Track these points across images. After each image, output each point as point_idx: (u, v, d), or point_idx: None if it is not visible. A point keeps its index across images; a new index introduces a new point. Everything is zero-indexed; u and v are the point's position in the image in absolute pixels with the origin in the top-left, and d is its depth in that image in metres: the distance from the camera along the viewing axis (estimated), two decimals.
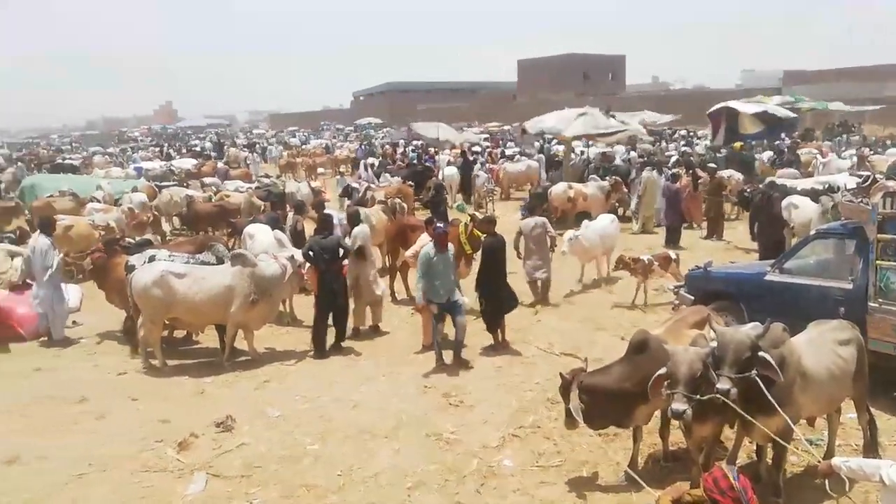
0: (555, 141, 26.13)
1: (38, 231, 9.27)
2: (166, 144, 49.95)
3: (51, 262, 8.88)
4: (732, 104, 17.27)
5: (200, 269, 8.00)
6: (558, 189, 15.39)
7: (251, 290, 7.83)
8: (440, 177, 19.72)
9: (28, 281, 9.80)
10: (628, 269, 9.84)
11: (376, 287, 8.97)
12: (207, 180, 21.21)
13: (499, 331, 8.30)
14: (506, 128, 45.66)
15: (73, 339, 9.16)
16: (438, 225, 8.14)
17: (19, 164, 30.79)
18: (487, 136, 38.00)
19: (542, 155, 23.53)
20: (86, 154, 40.61)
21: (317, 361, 8.07)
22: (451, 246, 7.87)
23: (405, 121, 48.11)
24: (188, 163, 28.61)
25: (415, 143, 31.90)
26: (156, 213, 15.25)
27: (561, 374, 5.14)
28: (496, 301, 8.25)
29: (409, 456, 5.71)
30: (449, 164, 21.40)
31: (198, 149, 42.71)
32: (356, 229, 9.09)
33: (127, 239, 10.47)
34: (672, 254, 10.26)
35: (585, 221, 11.41)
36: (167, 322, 8.21)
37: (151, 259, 7.95)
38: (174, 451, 5.85)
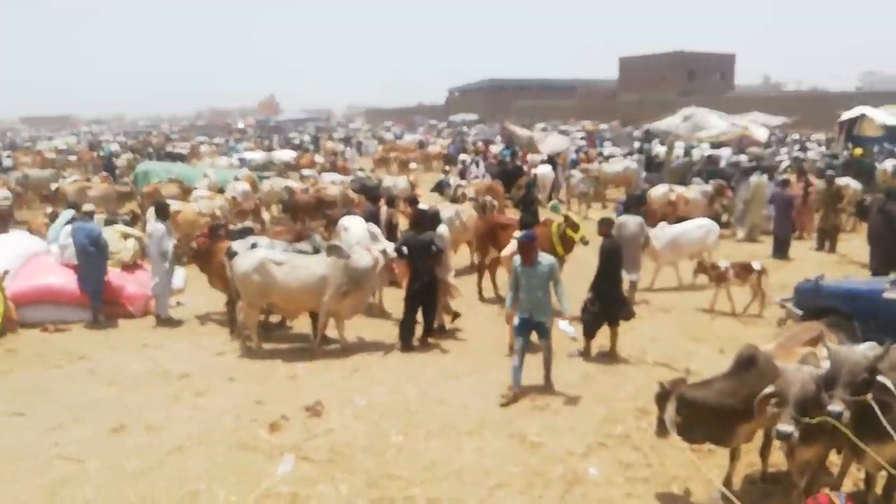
0: (655, 141, 25.27)
1: (155, 216, 9.85)
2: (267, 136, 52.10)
3: (166, 246, 9.43)
4: (869, 112, 16.00)
5: (298, 257, 8.26)
6: (658, 191, 14.85)
7: (343, 280, 8.02)
8: (531, 176, 19.54)
9: (138, 262, 10.49)
10: (706, 275, 9.52)
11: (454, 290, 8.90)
12: (306, 172, 21.98)
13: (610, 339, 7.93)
14: (603, 127, 44.67)
15: (176, 318, 9.70)
16: (520, 234, 7.51)
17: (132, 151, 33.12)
18: (584, 134, 37.32)
19: (641, 155, 22.82)
20: (193, 143, 43.00)
21: (403, 355, 8.16)
22: (545, 261, 6.82)
23: (500, 117, 47.99)
24: (287, 154, 29.78)
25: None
26: (257, 202, 15.92)
27: (660, 383, 4.93)
28: (607, 307, 7.78)
29: (492, 455, 5.66)
30: (542, 162, 21.12)
31: (296, 141, 44.35)
32: (438, 229, 9.07)
33: (229, 226, 11.00)
34: (755, 264, 9.54)
35: (662, 223, 10.99)
36: (264, 307, 8.54)
37: (253, 246, 8.29)
38: (266, 432, 6.07)
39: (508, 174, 19.00)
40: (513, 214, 13.20)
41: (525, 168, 21.14)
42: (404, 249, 8.29)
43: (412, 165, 29.64)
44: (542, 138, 21.34)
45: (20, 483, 5.26)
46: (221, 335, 9.00)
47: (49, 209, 14.36)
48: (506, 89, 79.59)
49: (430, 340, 8.47)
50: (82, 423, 6.36)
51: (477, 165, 21.63)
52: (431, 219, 9.16)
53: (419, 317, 8.39)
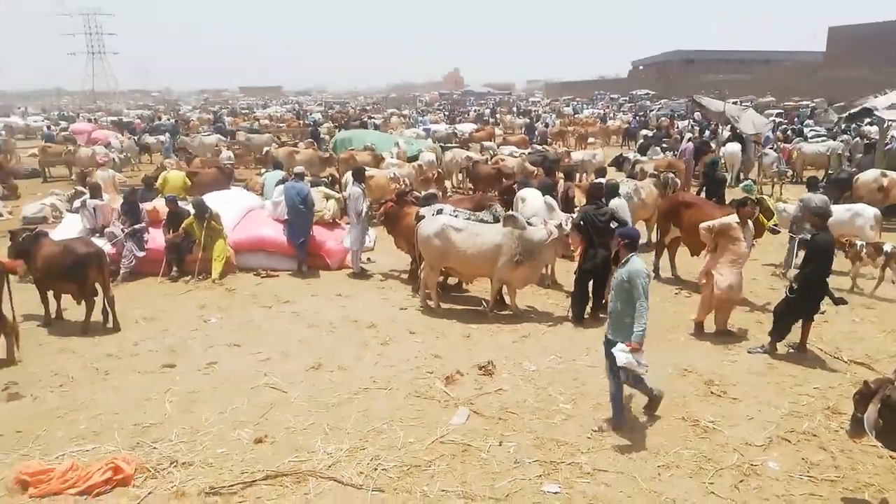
0: (867, 120, 22.34)
1: (352, 180, 10.77)
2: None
3: (360, 206, 10.32)
4: None
5: (476, 225, 8.61)
6: (868, 176, 13.23)
7: (517, 251, 8.23)
8: (720, 154, 18.29)
9: (336, 220, 11.53)
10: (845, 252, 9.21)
11: None
12: (486, 144, 22.47)
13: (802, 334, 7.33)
14: (806, 103, 40.25)
15: (367, 273, 10.58)
16: (619, 230, 6.19)
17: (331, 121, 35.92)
18: (780, 111, 33.94)
19: (849, 136, 20.32)
20: (385, 115, 45.57)
21: (573, 327, 8.22)
22: (629, 266, 5.51)
23: (686, 92, 45.13)
24: (469, 127, 30.56)
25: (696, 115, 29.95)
26: (439, 171, 16.63)
27: (865, 381, 4.54)
28: (807, 304, 7.10)
29: (661, 435, 5.60)
30: (729, 140, 19.62)
31: (476, 114, 45.24)
32: (612, 202, 8.91)
33: (414, 193, 11.68)
34: (888, 246, 9.10)
35: (804, 194, 9.89)
36: (443, 269, 9.03)
37: (439, 213, 8.78)
38: (442, 384, 6.52)
39: (693, 151, 17.94)
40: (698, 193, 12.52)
41: (712, 145, 19.81)
42: (581, 223, 8.29)
43: (590, 140, 29.02)
44: (738, 115, 19.69)
45: (237, 404, 6.17)
46: (404, 291, 9.69)
47: (262, 170, 16.16)
48: (695, 62, 74.34)
49: (601, 315, 8.43)
50: (287, 358, 7.26)
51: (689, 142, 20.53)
52: (609, 192, 9.06)
53: (590, 291, 8.39)
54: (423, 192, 11.67)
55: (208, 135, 26.65)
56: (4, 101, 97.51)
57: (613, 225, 8.15)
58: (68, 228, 10.83)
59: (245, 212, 11.58)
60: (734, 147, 18.55)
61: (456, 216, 8.71)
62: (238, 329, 8.19)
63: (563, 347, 7.50)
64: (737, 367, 6.98)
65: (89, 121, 40.98)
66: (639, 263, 5.49)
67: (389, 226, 10.35)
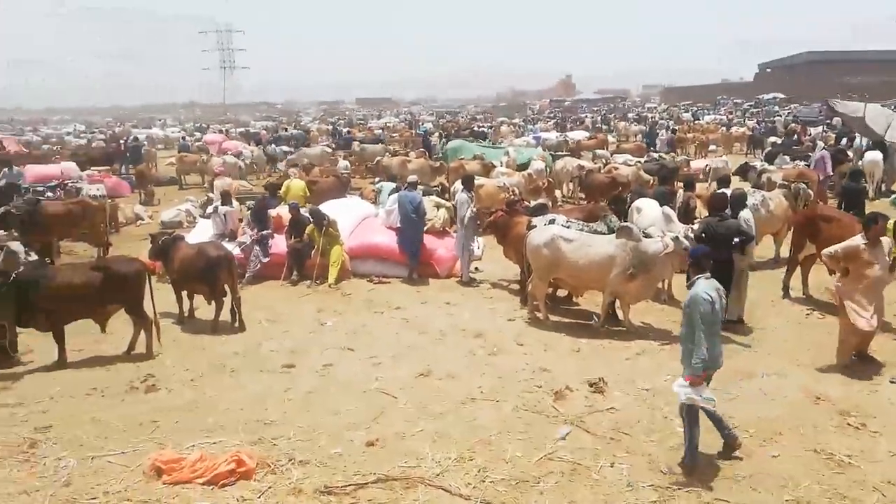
0: None
1: (461, 187, 10.88)
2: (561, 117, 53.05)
3: (464, 212, 10.41)
4: None
5: (588, 236, 8.41)
6: None
7: (631, 263, 7.94)
8: (858, 163, 16.81)
9: (446, 228, 11.68)
10: None
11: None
12: (599, 152, 21.99)
13: None
14: None
15: (476, 281, 10.63)
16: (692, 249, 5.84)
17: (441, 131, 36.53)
18: None
19: None
20: (494, 123, 45.76)
21: None
22: (691, 290, 5.16)
23: (821, 96, 41.95)
24: (580, 135, 30.04)
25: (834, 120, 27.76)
26: (549, 180, 16.46)
27: None
28: None
29: (788, 465, 5.20)
30: (869, 148, 17.98)
31: (589, 122, 44.44)
32: (740, 214, 8.38)
33: (524, 202, 11.63)
34: None
35: None
36: (552, 281, 8.90)
37: (551, 223, 8.67)
38: (550, 399, 6.40)
39: (832, 160, 16.62)
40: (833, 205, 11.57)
41: (849, 154, 18.27)
42: (703, 236, 7.88)
43: (711, 148, 27.67)
44: (885, 119, 17.97)
45: (350, 406, 6.36)
46: (512, 302, 9.64)
47: (376, 179, 16.70)
48: (831, 63, 68.85)
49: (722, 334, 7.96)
50: (398, 363, 7.42)
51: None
52: (735, 203, 8.54)
53: None
54: (532, 203, 11.60)
55: (325, 146, 27.93)
56: (147, 113, 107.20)
57: (737, 239, 7.71)
58: (201, 233, 11.68)
59: (360, 219, 12.00)
60: (875, 155, 16.98)
61: (568, 227, 8.55)
62: (352, 333, 8.47)
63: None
64: (877, 397, 6.37)
65: (220, 132, 44.09)
66: (701, 288, 5.10)
67: (498, 235, 10.34)
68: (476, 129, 37.40)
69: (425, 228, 11.07)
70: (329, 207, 11.43)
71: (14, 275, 7.20)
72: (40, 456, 5.49)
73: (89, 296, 7.39)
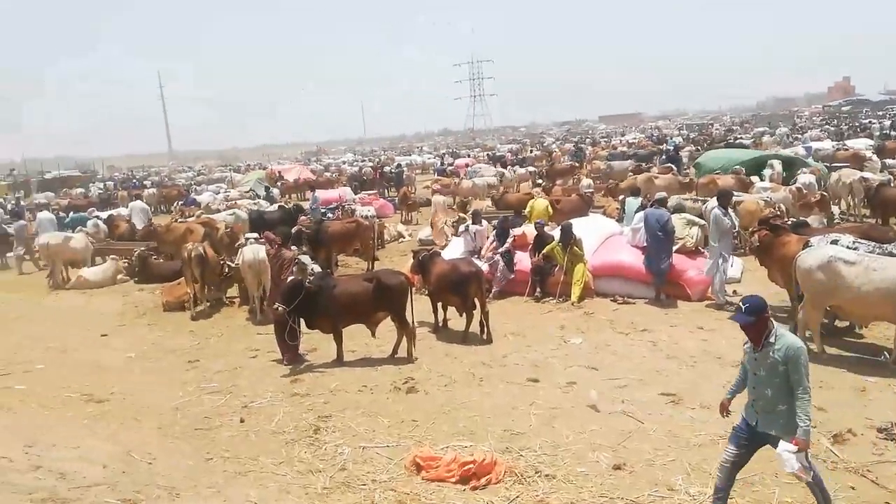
0: None
1: (717, 203, 10.12)
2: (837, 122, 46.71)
3: (719, 231, 9.65)
4: None
5: (876, 259, 7.26)
6: None
7: None
8: None
9: (700, 248, 10.96)
10: None
11: None
12: (890, 162, 18.91)
13: None
14: None
15: (733, 306, 9.76)
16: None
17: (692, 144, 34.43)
18: None
19: None
20: (754, 134, 41.92)
21: None
22: (782, 343, 4.27)
23: None
24: (862, 143, 26.11)
25: None
26: (823, 194, 14.56)
27: None
28: None
29: None
30: None
31: (874, 127, 38.43)
32: None
33: (787, 219, 10.44)
34: None
35: None
36: (829, 308, 7.83)
37: (833, 242, 7.68)
38: (828, 442, 5.62)
39: None
40: None
41: None
42: None
43: None
44: None
45: (595, 426, 6.26)
46: None
47: (620, 196, 16.32)
48: None
49: None
50: (644, 387, 7.14)
51: None
52: None
53: None
54: (793, 220, 10.40)
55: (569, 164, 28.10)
56: (407, 142, 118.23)
57: None
58: (453, 250, 12.51)
59: (604, 238, 11.82)
60: None
61: (855, 248, 7.47)
62: (595, 352, 8.36)
63: None
64: None
65: (468, 156, 46.89)
66: (791, 336, 4.36)
67: (762, 256, 9.41)
68: (732, 140, 34.59)
69: (675, 248, 10.52)
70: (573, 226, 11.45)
71: (307, 283, 8.44)
72: (322, 441, 6.32)
73: (363, 303, 8.37)
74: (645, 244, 10.63)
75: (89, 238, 16.16)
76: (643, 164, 24.20)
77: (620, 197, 16.15)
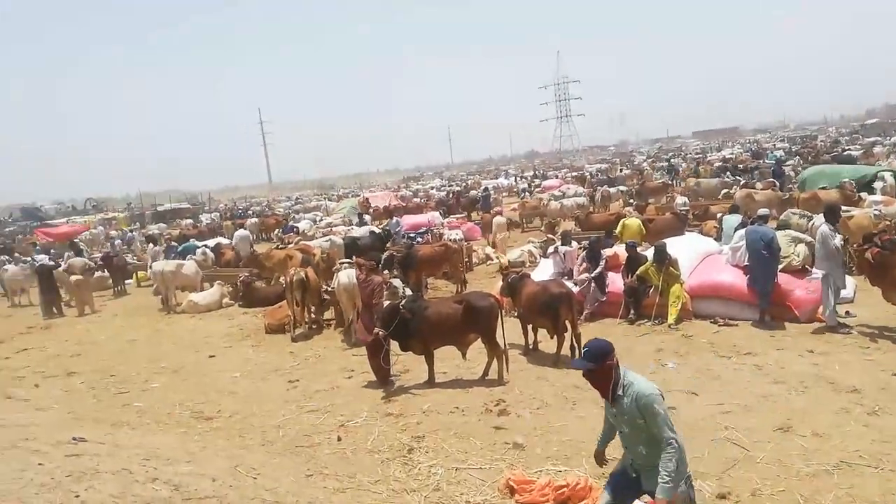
0: None
1: (824, 218, 9.55)
2: None
3: (827, 248, 9.07)
4: None
5: None
6: None
7: None
8: None
9: (807, 267, 10.34)
10: None
11: None
12: None
13: None
14: None
15: (846, 328, 9.14)
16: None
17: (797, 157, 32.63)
18: None
19: None
20: (864, 145, 39.29)
21: None
22: (631, 393, 3.84)
23: None
24: None
25: None
26: None
27: None
28: None
29: None
30: None
31: None
32: None
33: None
34: None
35: None
36: None
37: None
38: None
39: None
40: None
41: None
42: None
43: None
44: None
45: (697, 453, 5.95)
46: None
47: (718, 214, 15.70)
48: None
49: None
50: (750, 413, 6.77)
51: None
52: None
53: None
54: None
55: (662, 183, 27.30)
56: (494, 165, 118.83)
57: None
58: (543, 271, 12.42)
59: (701, 257, 11.39)
60: None
61: None
62: (695, 377, 8.03)
63: None
64: None
65: (555, 177, 46.55)
66: (643, 382, 3.85)
67: (874, 275, 8.79)
68: (840, 153, 32.53)
69: (781, 267, 9.97)
70: (668, 245, 11.11)
71: (400, 306, 8.63)
72: (416, 461, 6.40)
73: (454, 325, 8.45)
74: (746, 263, 10.16)
75: (198, 265, 17.25)
76: (740, 180, 23.23)
77: (718, 215, 15.55)
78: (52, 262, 18.26)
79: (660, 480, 3.71)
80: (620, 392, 3.84)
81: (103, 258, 21.09)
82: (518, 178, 52.41)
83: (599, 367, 3.80)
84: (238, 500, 5.10)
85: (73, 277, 17.00)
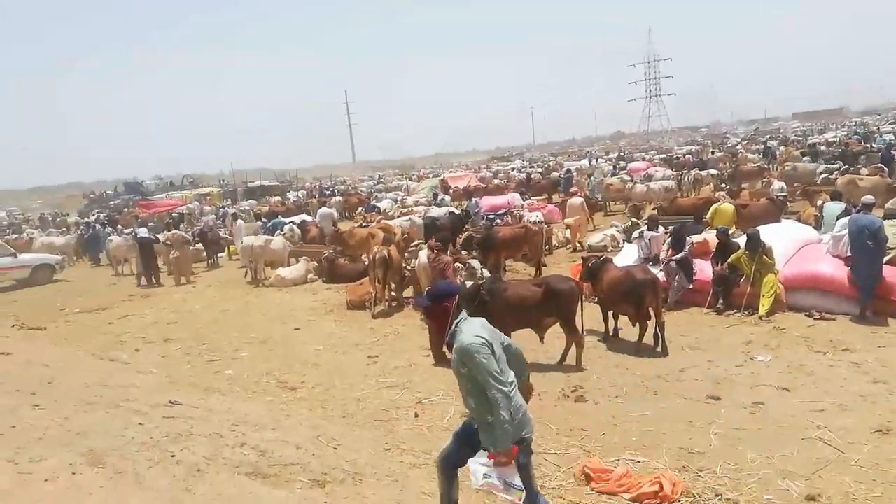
0: None
1: None
2: None
3: None
4: None
5: None
6: None
7: None
8: None
9: None
10: None
11: None
12: None
13: None
14: None
15: None
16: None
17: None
18: None
19: None
20: None
21: None
22: (456, 339, 3.87)
23: None
24: None
25: None
26: None
27: None
28: None
29: None
30: None
31: None
32: None
33: None
34: None
35: None
36: None
37: None
38: None
39: None
40: None
41: None
42: None
43: None
44: None
45: (786, 452, 5.72)
46: None
47: (819, 202, 14.77)
48: None
49: None
50: (845, 413, 6.40)
51: None
52: None
53: None
54: None
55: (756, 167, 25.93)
56: (577, 146, 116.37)
57: None
58: (626, 256, 12.10)
59: (798, 246, 10.77)
60: None
61: None
62: (787, 372, 7.64)
63: None
64: None
65: (643, 159, 45.05)
66: (467, 331, 3.81)
67: None
68: None
69: (887, 259, 9.28)
70: (763, 232, 10.55)
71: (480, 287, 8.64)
72: None
73: (532, 308, 8.38)
74: (848, 254, 9.53)
75: (286, 241, 17.90)
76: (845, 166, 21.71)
77: (819, 202, 14.64)
78: (151, 236, 19.40)
79: (495, 431, 3.76)
80: (448, 339, 3.89)
81: (199, 233, 22.23)
82: (596, 161, 50.99)
83: (435, 306, 3.99)
84: (320, 468, 5.30)
85: (173, 253, 18.01)
